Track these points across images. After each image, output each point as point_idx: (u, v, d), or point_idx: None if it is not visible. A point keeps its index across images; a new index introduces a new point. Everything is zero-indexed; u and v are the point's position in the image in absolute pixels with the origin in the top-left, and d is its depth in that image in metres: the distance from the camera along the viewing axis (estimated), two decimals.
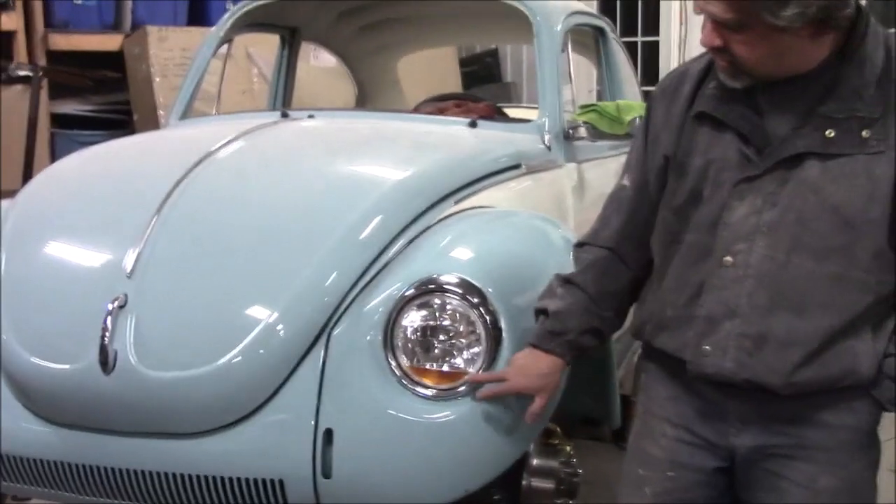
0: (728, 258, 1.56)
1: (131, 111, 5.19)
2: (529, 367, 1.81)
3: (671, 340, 1.65)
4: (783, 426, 1.60)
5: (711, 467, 1.68)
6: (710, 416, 1.66)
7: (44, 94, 4.69)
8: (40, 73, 4.24)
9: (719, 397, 1.63)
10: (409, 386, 1.88)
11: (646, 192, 1.71)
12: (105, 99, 5.27)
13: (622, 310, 1.83)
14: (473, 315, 1.89)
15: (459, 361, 1.91)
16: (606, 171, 3.12)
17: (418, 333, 1.91)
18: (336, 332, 1.95)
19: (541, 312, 1.80)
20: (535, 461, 2.20)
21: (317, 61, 5.03)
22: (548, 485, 2.19)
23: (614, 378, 2.45)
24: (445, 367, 1.91)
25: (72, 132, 5.09)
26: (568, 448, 2.30)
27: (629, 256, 1.76)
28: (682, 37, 5.98)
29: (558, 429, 2.30)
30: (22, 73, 4.27)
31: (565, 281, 1.79)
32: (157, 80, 4.94)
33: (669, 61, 5.88)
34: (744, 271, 1.55)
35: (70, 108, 5.19)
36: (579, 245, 1.84)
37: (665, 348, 1.67)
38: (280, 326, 1.92)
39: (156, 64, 4.93)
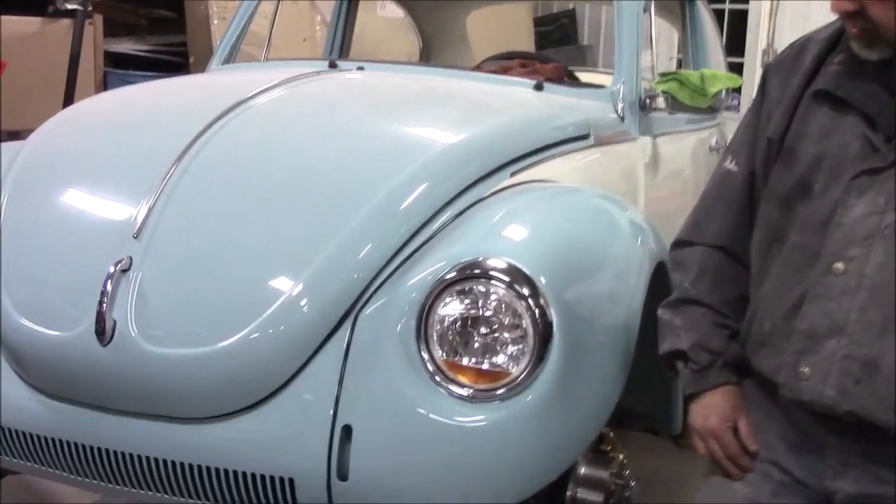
0: (839, 265, 1.33)
1: (188, 53, 5.04)
2: (710, 416, 1.55)
3: (768, 360, 1.43)
4: (892, 472, 1.35)
5: None
6: (805, 452, 1.43)
7: (98, 31, 4.56)
8: (89, 8, 4.07)
9: (817, 431, 1.40)
10: (443, 383, 1.68)
11: (755, 180, 1.50)
12: (162, 40, 5.15)
13: None
14: (520, 307, 1.68)
15: (501, 359, 1.70)
16: (684, 147, 2.93)
17: (457, 324, 1.71)
18: (365, 313, 1.76)
19: (675, 357, 1.58)
20: (582, 470, 2.00)
21: (384, 11, 4.83)
22: (596, 498, 1.99)
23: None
24: (485, 365, 1.70)
25: (126, 72, 4.97)
26: (621, 456, 2.09)
27: (744, 255, 1.54)
28: (774, 7, 5.65)
29: (611, 434, 2.08)
30: (71, 6, 4.10)
31: (679, 303, 1.57)
32: (216, 22, 4.80)
33: (758, 32, 5.58)
34: (857, 281, 1.31)
35: (125, 47, 5.08)
36: (680, 244, 1.62)
37: (762, 369, 1.45)
38: (304, 301, 1.74)
39: (214, 6, 4.78)
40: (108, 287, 1.73)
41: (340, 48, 3.49)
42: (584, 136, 2.35)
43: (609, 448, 2.05)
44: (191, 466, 1.75)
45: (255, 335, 1.70)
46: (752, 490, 1.48)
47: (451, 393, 1.67)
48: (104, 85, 4.87)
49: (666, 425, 2.23)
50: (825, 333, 1.34)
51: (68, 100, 4.00)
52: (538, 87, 2.55)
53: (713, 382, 1.54)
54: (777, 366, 1.41)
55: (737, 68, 4.91)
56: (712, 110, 2.79)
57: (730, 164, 1.56)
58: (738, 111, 3.85)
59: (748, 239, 1.53)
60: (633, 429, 3.54)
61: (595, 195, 2.12)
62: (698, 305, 1.56)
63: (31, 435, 1.84)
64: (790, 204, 1.40)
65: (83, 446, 1.80)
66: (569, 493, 1.97)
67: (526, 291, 1.67)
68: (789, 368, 1.38)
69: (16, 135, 3.27)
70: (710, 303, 1.55)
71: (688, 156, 3.03)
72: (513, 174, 2.05)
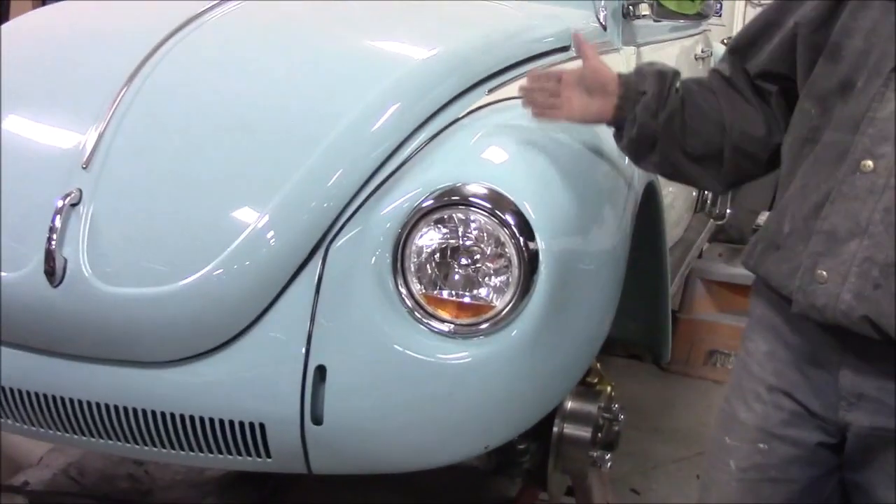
0: (868, 162, 1.25)
1: None
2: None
3: (782, 263, 1.36)
4: None
5: (814, 442, 1.40)
6: (819, 382, 1.37)
7: None
8: None
9: (832, 354, 1.34)
10: (422, 319, 1.62)
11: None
12: None
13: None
14: (504, 235, 1.61)
15: (484, 292, 1.64)
16: (668, 57, 2.81)
17: (435, 255, 1.64)
18: (337, 245, 1.68)
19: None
20: (569, 405, 1.98)
21: None
22: (583, 433, 1.98)
23: (667, 302, 2.25)
24: (466, 299, 1.63)
25: None
26: (609, 388, 2.04)
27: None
28: None
29: (598, 365, 2.03)
30: None
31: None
32: None
33: None
34: (885, 180, 1.24)
35: None
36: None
37: (770, 279, 1.38)
38: (271, 234, 1.65)
39: None
40: (57, 223, 1.64)
41: None
42: (565, 48, 2.24)
43: (596, 381, 2.01)
44: (153, 413, 1.68)
45: (218, 271, 1.62)
46: (762, 420, 1.42)
47: (430, 329, 1.61)
48: (42, 0, 4.67)
49: (653, 353, 2.21)
50: (846, 235, 1.27)
51: (2, 17, 3.79)
52: None
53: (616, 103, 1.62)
54: (792, 268, 1.33)
55: None
56: (700, 16, 2.69)
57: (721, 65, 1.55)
58: (721, 16, 3.75)
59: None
60: (616, 355, 3.56)
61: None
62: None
63: None
64: (829, 103, 1.32)
65: (35, 394, 1.73)
66: (555, 430, 1.95)
67: (509, 218, 1.60)
68: (805, 271, 1.31)
69: None
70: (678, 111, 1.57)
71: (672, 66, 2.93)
72: (490, 91, 1.96)
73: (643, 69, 1.64)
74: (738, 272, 3.71)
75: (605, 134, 1.92)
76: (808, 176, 1.33)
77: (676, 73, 1.63)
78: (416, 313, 1.61)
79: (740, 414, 1.46)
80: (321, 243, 1.68)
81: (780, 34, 1.43)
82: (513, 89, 1.97)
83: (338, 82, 1.85)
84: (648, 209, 2.12)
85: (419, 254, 1.63)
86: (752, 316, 1.50)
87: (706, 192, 3.65)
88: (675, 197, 3.11)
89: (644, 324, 2.22)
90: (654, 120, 1.57)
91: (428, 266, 1.64)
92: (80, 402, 1.69)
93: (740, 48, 1.53)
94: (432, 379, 1.60)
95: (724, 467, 1.47)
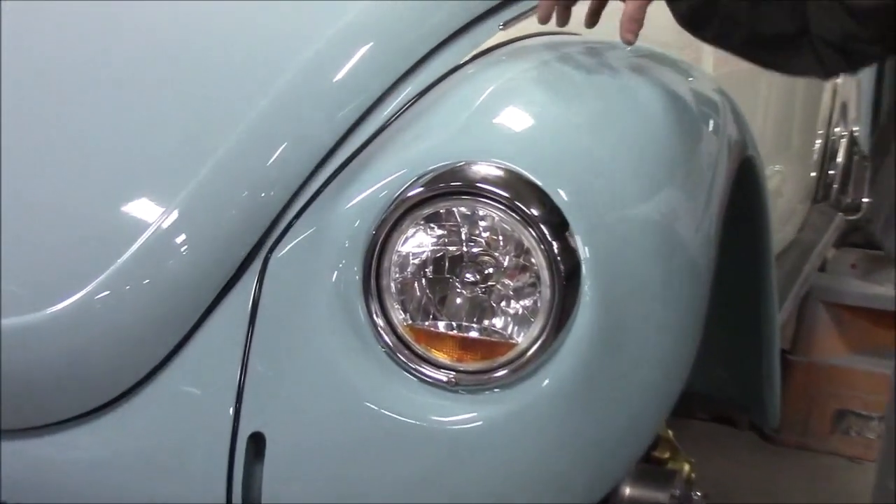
0: None
1: None
2: None
3: None
4: None
5: None
6: None
7: None
8: None
9: None
10: (408, 363, 1.69)
11: None
12: None
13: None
14: (528, 238, 1.67)
15: (500, 322, 1.70)
16: None
17: (427, 269, 1.71)
18: (280, 254, 1.76)
19: None
20: (627, 491, 2.04)
21: None
22: None
23: (773, 339, 2.29)
24: (474, 333, 1.70)
25: None
26: (686, 468, 2.11)
27: None
28: None
29: (670, 433, 2.10)
30: None
31: None
32: None
33: None
34: None
35: None
36: None
37: None
38: (181, 238, 1.73)
39: None
40: None
41: None
42: None
43: (667, 456, 2.07)
44: None
45: (101, 294, 1.69)
46: None
47: (421, 377, 1.67)
48: None
49: (753, 415, 2.28)
50: None
51: None
52: None
53: None
54: None
55: None
56: None
57: None
58: None
59: None
60: (697, 417, 3.60)
61: (638, 54, 2.10)
62: None
63: None
64: None
65: None
66: None
67: (536, 213, 1.65)
68: None
69: None
70: None
71: None
72: (505, 25, 2.04)
73: None
74: (883, 292, 3.75)
75: (680, 84, 2.01)
76: None
77: None
78: (398, 355, 1.67)
79: None
80: (257, 252, 1.74)
81: None
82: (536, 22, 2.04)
83: (281, 14, 1.93)
84: (744, 197, 2.19)
85: (403, 267, 1.69)
86: None
87: (830, 174, 3.72)
88: (786, 178, 3.18)
89: (739, 372, 2.28)
90: None
91: (416, 285, 1.70)
92: None
93: None
94: (423, 452, 1.66)
95: None
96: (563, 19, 1.92)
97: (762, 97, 3.40)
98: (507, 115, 1.81)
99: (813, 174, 3.80)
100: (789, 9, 1.70)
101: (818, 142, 4.39)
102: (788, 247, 3.39)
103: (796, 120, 4.07)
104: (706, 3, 1.76)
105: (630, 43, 1.90)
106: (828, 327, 3.91)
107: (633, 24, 1.88)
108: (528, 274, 1.68)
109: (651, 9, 1.96)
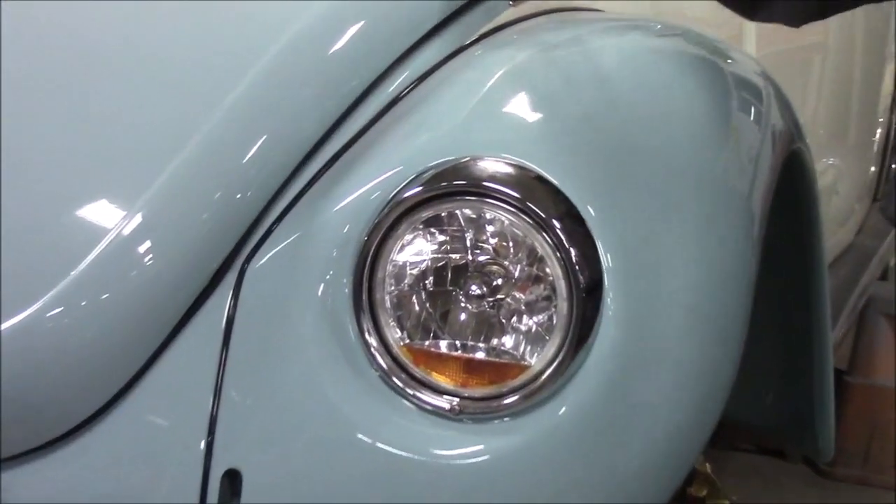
0: None
1: None
2: None
3: None
4: None
5: None
6: None
7: None
8: None
9: None
10: (405, 388, 1.69)
11: None
12: None
13: None
14: (542, 245, 1.67)
15: (510, 341, 1.70)
16: None
17: (427, 280, 1.71)
18: (259, 263, 1.75)
19: None
20: None
21: None
22: None
23: (827, 360, 2.30)
24: (481, 354, 1.70)
25: None
26: None
27: None
28: None
29: (708, 466, 2.09)
30: None
31: None
32: None
33: None
34: None
35: None
36: None
37: None
38: (144, 246, 1.71)
39: None
40: None
41: None
42: None
43: (704, 493, 2.05)
44: None
45: (54, 311, 1.67)
46: None
47: (420, 405, 1.67)
48: None
49: (804, 446, 2.27)
50: None
51: None
52: None
53: None
54: None
55: None
56: None
57: None
58: None
59: None
60: (740, 449, 3.60)
61: (668, 33, 2.11)
62: None
63: None
64: None
65: None
66: None
67: (552, 216, 1.65)
68: None
69: None
70: None
71: None
72: (515, 2, 2.05)
73: None
74: None
75: (717, 67, 2.02)
76: None
77: None
78: (394, 379, 1.67)
79: None
80: (232, 261, 1.74)
81: None
82: None
83: None
84: (792, 195, 2.17)
85: (399, 278, 1.69)
86: None
87: (893, 167, 3.72)
88: (841, 173, 3.17)
89: (788, 396, 2.28)
90: None
91: (414, 299, 1.70)
92: None
93: None
94: (423, 491, 1.65)
95: None
96: None
97: (814, 81, 3.40)
98: (518, 103, 1.81)
99: (873, 169, 3.79)
100: None
101: (878, 132, 4.39)
102: (844, 252, 3.39)
103: (853, 107, 4.07)
104: None
105: None
106: (890, 344, 3.90)
107: None
108: (542, 286, 1.68)
109: None
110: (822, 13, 1.85)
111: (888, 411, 3.83)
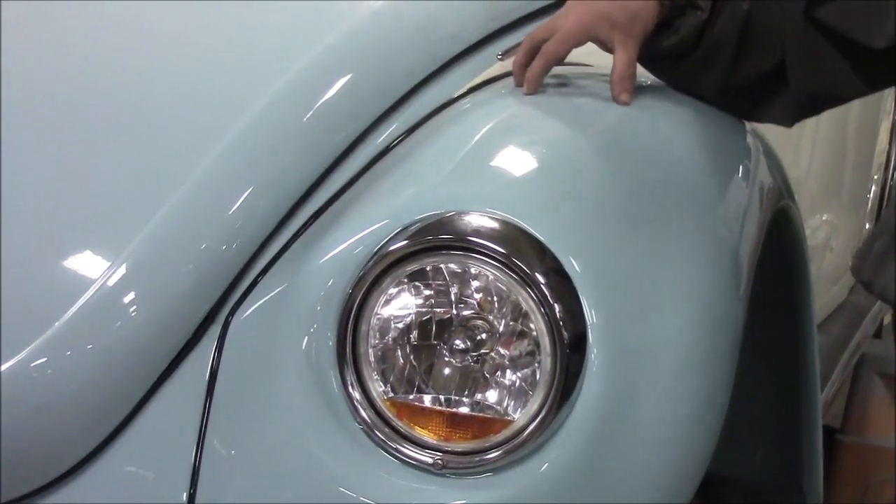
0: None
1: None
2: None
3: None
4: None
5: None
6: None
7: None
8: None
9: None
10: (388, 442, 1.68)
11: None
12: None
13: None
14: (527, 301, 1.67)
15: (494, 396, 1.70)
16: None
17: (411, 335, 1.71)
18: (243, 316, 1.76)
19: None
20: None
21: None
22: None
23: (816, 417, 2.30)
24: (464, 409, 1.70)
25: None
26: None
27: None
28: None
29: None
30: None
31: None
32: None
33: None
34: None
35: None
36: None
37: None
38: (129, 297, 1.72)
39: None
40: None
41: None
42: None
43: None
44: None
45: (38, 361, 1.68)
46: None
47: (403, 460, 1.67)
48: None
49: (794, 502, 2.27)
50: None
51: None
52: None
53: None
54: None
55: None
56: None
57: None
58: None
59: None
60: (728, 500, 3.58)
61: (659, 89, 2.12)
62: None
63: None
64: None
65: None
66: None
67: (536, 271, 1.66)
68: None
69: None
70: None
71: None
72: (503, 55, 2.06)
73: None
74: None
75: (705, 124, 2.01)
76: None
77: None
78: (377, 432, 1.67)
79: None
80: (216, 313, 1.75)
81: None
82: None
83: (248, 40, 1.96)
84: (781, 252, 2.18)
85: (383, 332, 1.69)
86: None
87: None
88: (834, 230, 3.18)
89: (777, 453, 2.29)
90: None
91: (398, 353, 1.70)
92: None
93: None
94: None
95: None
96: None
97: (807, 137, 3.41)
98: (505, 157, 1.83)
99: (868, 226, 3.79)
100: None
101: (873, 189, 4.39)
102: (837, 309, 3.39)
103: (848, 163, 4.07)
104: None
105: (627, 104, 1.93)
106: (884, 403, 3.90)
107: (627, 82, 1.94)
108: (526, 341, 1.69)
109: None
110: (816, 111, 1.96)
111: (882, 471, 3.82)
